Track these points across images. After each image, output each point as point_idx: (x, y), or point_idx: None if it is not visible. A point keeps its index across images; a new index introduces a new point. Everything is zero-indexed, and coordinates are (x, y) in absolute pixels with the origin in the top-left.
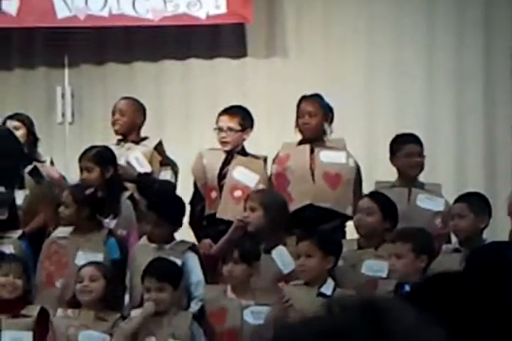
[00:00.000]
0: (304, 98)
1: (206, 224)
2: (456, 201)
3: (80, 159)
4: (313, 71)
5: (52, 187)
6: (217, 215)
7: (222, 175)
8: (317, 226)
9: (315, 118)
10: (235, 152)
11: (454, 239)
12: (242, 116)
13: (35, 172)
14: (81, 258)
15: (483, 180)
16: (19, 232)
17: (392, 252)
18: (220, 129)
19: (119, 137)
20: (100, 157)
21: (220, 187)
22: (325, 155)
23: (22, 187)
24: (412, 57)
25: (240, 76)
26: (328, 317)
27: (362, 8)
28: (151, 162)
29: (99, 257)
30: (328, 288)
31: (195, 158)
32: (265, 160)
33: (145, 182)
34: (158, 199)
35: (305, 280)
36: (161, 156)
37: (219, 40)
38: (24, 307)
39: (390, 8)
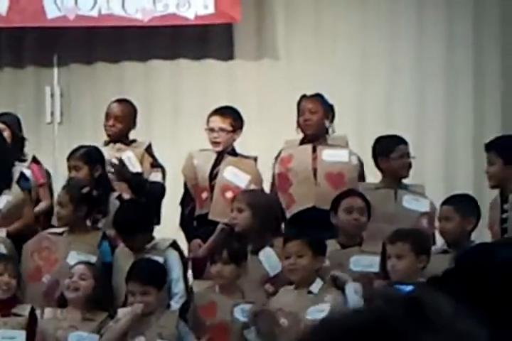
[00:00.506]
0: (304, 97)
1: (197, 225)
2: (444, 203)
3: (69, 158)
4: (302, 72)
5: (36, 192)
6: (210, 217)
7: (212, 176)
8: (313, 227)
9: (316, 115)
10: (226, 152)
11: (440, 240)
12: (234, 117)
13: (22, 178)
14: (74, 257)
15: (472, 181)
16: (3, 231)
17: (393, 253)
18: (211, 130)
19: (108, 138)
20: (89, 156)
21: (211, 188)
22: (327, 154)
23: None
24: (403, 56)
25: (229, 76)
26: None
27: (353, 9)
28: (141, 163)
29: (93, 259)
30: (316, 287)
31: (186, 158)
32: (255, 159)
33: (138, 181)
34: (137, 190)
35: (295, 279)
36: (151, 158)
37: (208, 40)
38: (15, 306)
39: (382, 7)
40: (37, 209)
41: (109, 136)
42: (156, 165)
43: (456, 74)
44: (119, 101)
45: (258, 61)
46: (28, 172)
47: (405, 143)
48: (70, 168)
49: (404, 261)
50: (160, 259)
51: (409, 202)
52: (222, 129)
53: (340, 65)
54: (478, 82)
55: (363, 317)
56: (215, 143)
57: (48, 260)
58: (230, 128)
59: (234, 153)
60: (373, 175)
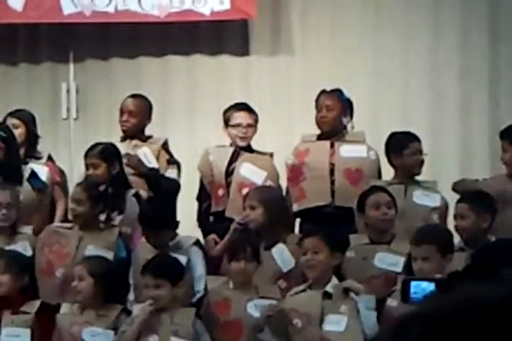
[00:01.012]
0: (322, 92)
1: (213, 221)
2: (459, 201)
3: (86, 156)
4: (318, 68)
5: (51, 190)
6: (227, 214)
7: (229, 172)
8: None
9: (332, 112)
10: (242, 149)
11: (457, 237)
12: (255, 113)
13: (33, 176)
14: (91, 252)
15: (488, 176)
16: (29, 227)
17: (419, 256)
18: (238, 125)
19: (123, 133)
20: (106, 153)
21: (227, 184)
22: (345, 150)
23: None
24: (419, 55)
25: (245, 72)
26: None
27: (369, 5)
28: (157, 160)
29: (110, 255)
30: (332, 287)
31: (202, 154)
32: (271, 156)
33: (154, 177)
34: (153, 185)
35: (313, 276)
36: (167, 155)
37: (224, 36)
38: (24, 303)
39: (397, 3)
40: (58, 213)
41: (124, 131)
42: (172, 161)
43: (471, 69)
44: (133, 96)
45: (274, 57)
46: (45, 170)
47: (418, 140)
48: (87, 166)
49: (430, 262)
50: (183, 258)
51: (419, 197)
52: (249, 125)
53: (356, 61)
54: (494, 78)
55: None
56: (242, 139)
57: (59, 254)
58: (255, 124)
59: (250, 149)
60: (387, 172)
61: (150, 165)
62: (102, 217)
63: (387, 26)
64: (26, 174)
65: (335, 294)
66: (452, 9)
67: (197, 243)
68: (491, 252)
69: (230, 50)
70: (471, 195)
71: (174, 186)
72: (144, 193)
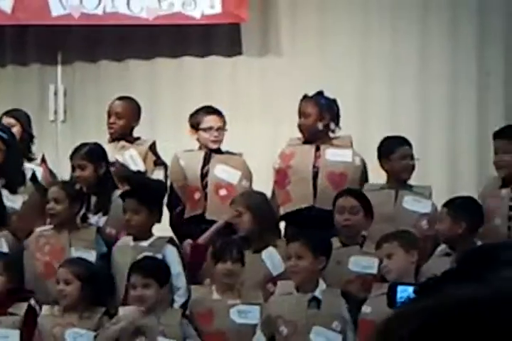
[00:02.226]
0: (304, 98)
1: (190, 226)
2: (444, 205)
3: (72, 157)
4: (307, 70)
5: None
6: (207, 217)
7: (203, 175)
8: (312, 227)
9: (308, 119)
10: (212, 151)
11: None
12: (223, 115)
13: (34, 178)
14: (73, 255)
15: (475, 183)
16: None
17: (383, 255)
18: (209, 129)
19: (110, 136)
20: (93, 154)
21: (203, 187)
22: (331, 154)
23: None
24: (407, 57)
25: (234, 74)
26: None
27: (357, 7)
28: (144, 161)
29: (92, 254)
30: (320, 292)
31: (171, 160)
32: (241, 155)
33: (138, 180)
34: (137, 187)
35: (297, 282)
36: (155, 156)
37: (213, 38)
38: (12, 305)
39: (385, 6)
40: None
41: (111, 134)
42: (159, 163)
43: (459, 75)
44: (121, 98)
45: (262, 58)
46: (40, 171)
47: (408, 144)
48: (73, 167)
49: (394, 258)
50: (159, 256)
51: (409, 203)
52: (220, 128)
53: (344, 64)
54: (482, 84)
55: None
56: (214, 142)
57: (54, 253)
58: (224, 127)
59: (220, 151)
60: (379, 176)
61: (136, 168)
62: (78, 217)
63: (375, 30)
64: (28, 175)
65: (324, 302)
66: (440, 13)
67: (170, 241)
68: (474, 255)
69: (219, 51)
70: (453, 200)
71: (160, 187)
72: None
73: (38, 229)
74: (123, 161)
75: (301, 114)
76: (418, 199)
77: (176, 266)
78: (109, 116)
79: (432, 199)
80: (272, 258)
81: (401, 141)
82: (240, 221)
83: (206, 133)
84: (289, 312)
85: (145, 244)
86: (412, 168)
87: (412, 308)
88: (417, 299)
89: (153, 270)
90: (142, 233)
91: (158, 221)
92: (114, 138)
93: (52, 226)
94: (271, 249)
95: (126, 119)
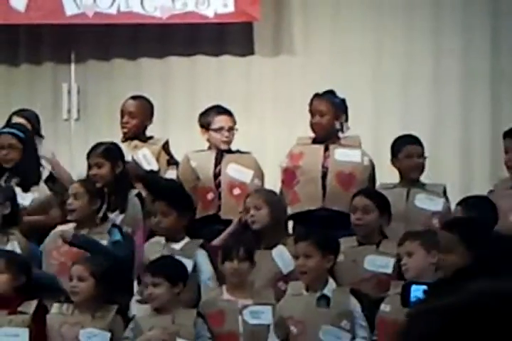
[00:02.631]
0: (315, 96)
1: (203, 226)
2: (458, 204)
3: (89, 155)
4: (320, 69)
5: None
6: (222, 216)
7: (215, 175)
8: (323, 227)
9: (325, 118)
10: (223, 151)
11: None
12: (233, 115)
13: (51, 178)
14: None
15: (488, 181)
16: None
17: (403, 252)
18: (220, 129)
19: (123, 135)
20: (110, 153)
21: (217, 187)
22: (340, 154)
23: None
24: (420, 56)
25: (247, 73)
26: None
27: (370, 6)
28: (158, 160)
29: (103, 243)
30: (330, 290)
31: (182, 161)
32: (250, 154)
33: (152, 179)
34: (166, 190)
35: (306, 282)
36: (168, 156)
37: (226, 37)
38: (21, 303)
39: (399, 5)
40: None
41: (124, 133)
42: (172, 162)
43: (473, 74)
44: (134, 97)
45: (276, 58)
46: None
47: (418, 142)
48: (90, 166)
49: (414, 257)
50: (189, 262)
51: (421, 201)
52: (231, 128)
53: (357, 62)
54: (496, 82)
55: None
56: (225, 142)
57: (69, 254)
58: (236, 127)
59: (230, 150)
60: (395, 175)
61: (149, 167)
62: (98, 216)
63: (389, 28)
64: (45, 173)
65: (334, 301)
66: (454, 11)
67: (202, 245)
68: (489, 252)
69: (232, 50)
70: (467, 199)
71: (174, 186)
72: (144, 193)
73: (58, 228)
74: (136, 160)
75: (316, 112)
76: (430, 197)
77: (207, 271)
78: (123, 115)
79: (444, 197)
80: (282, 256)
81: (409, 140)
82: (257, 214)
83: (217, 134)
84: (299, 311)
85: (177, 246)
86: (421, 166)
87: (436, 305)
88: (432, 297)
89: (163, 269)
90: (173, 235)
91: (189, 223)
92: (127, 138)
93: (73, 225)
94: (281, 247)
95: (139, 119)
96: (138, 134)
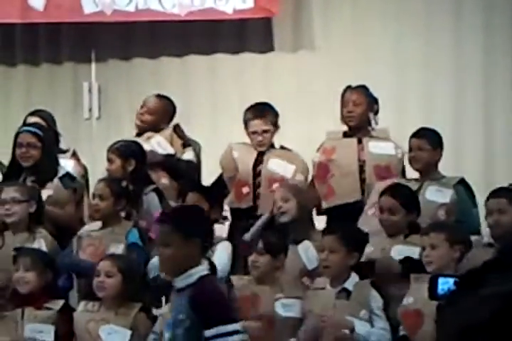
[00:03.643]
0: (348, 88)
1: (236, 218)
2: (494, 196)
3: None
4: (340, 64)
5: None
6: (260, 211)
7: (256, 173)
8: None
9: (360, 107)
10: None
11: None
12: (271, 115)
13: (68, 176)
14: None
15: (510, 173)
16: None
17: (427, 243)
18: (254, 133)
19: (136, 127)
20: (122, 150)
21: (254, 184)
22: (374, 146)
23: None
24: (441, 51)
25: (267, 70)
26: None
27: (391, 1)
28: (171, 144)
29: (119, 248)
30: (351, 284)
31: (225, 150)
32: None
33: (170, 163)
34: (170, 169)
35: (328, 276)
36: (180, 139)
37: (245, 34)
38: (48, 301)
39: (419, 0)
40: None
41: (137, 126)
42: (186, 144)
43: (495, 66)
44: (158, 96)
45: (296, 53)
46: (71, 163)
47: (416, 136)
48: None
49: (438, 250)
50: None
51: (431, 193)
52: (265, 131)
53: (378, 57)
54: None
55: None
56: (260, 145)
57: (95, 255)
58: (272, 129)
59: (273, 147)
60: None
61: (165, 152)
62: (122, 214)
63: (409, 21)
64: (61, 172)
65: (354, 293)
66: (474, 6)
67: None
68: None
69: (252, 47)
70: (504, 190)
71: (193, 167)
72: (166, 181)
73: (85, 228)
74: (151, 149)
75: (349, 101)
76: (440, 189)
77: (219, 254)
78: (141, 107)
79: (463, 188)
80: (307, 251)
81: (414, 133)
82: (285, 206)
83: (252, 137)
84: (318, 305)
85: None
86: (417, 159)
87: (493, 292)
88: (461, 290)
89: None
90: None
91: (219, 218)
92: (140, 132)
93: (99, 225)
94: (306, 242)
95: (155, 116)
96: (150, 130)
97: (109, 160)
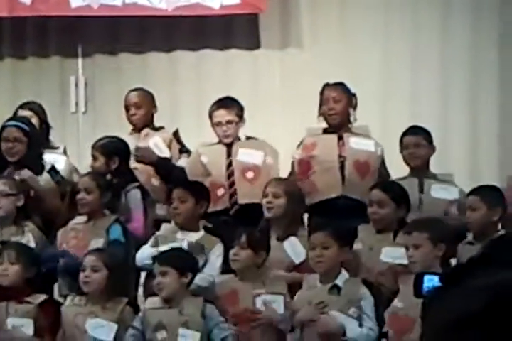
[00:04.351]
0: (327, 85)
1: (211, 221)
2: (470, 194)
3: (92, 147)
4: (328, 62)
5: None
6: (240, 201)
7: (228, 167)
8: (341, 217)
9: (340, 104)
10: (233, 143)
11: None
12: (237, 107)
13: (53, 169)
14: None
15: (497, 172)
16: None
17: (410, 243)
18: (218, 124)
19: (134, 127)
20: (106, 147)
21: (229, 179)
22: (355, 142)
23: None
24: (428, 48)
25: (254, 66)
26: None
27: None
28: (169, 149)
29: (99, 242)
30: (341, 280)
31: (192, 155)
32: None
33: (165, 166)
34: (178, 177)
35: (321, 271)
36: (179, 144)
37: (233, 30)
38: (30, 294)
39: None
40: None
41: (134, 125)
42: (184, 150)
43: (480, 64)
44: (134, 90)
45: (283, 50)
46: (63, 159)
47: (411, 133)
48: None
49: (421, 250)
50: (201, 257)
51: (437, 191)
52: (229, 122)
53: (365, 54)
54: (503, 74)
55: None
56: (225, 137)
57: (77, 247)
58: (236, 119)
59: (239, 139)
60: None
61: (162, 154)
62: (104, 208)
63: (396, 19)
64: (47, 166)
65: (344, 289)
66: (462, 4)
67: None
68: (502, 243)
69: (239, 43)
70: (482, 188)
71: (186, 174)
72: (155, 181)
73: (71, 222)
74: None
75: (329, 99)
76: (445, 187)
77: (214, 258)
78: (128, 109)
79: (457, 186)
80: (293, 246)
81: (406, 131)
82: (275, 202)
83: (217, 128)
84: (309, 302)
85: (191, 238)
86: (414, 156)
87: (477, 284)
88: (446, 286)
89: (171, 258)
90: (189, 223)
91: (205, 214)
92: (138, 129)
93: (85, 218)
94: (293, 238)
95: (145, 108)
96: (148, 123)
97: (94, 157)
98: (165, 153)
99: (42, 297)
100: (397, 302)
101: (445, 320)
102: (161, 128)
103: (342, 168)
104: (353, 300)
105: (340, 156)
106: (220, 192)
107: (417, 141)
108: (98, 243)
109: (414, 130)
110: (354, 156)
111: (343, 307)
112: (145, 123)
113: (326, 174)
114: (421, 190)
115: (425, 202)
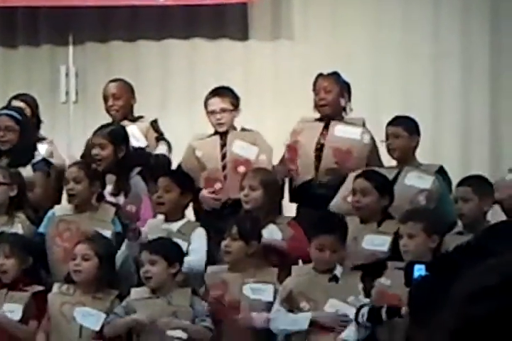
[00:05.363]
0: (320, 75)
1: (206, 215)
2: (460, 184)
3: (94, 134)
4: (319, 52)
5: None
6: (230, 195)
7: (223, 159)
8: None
9: (331, 94)
10: (228, 133)
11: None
12: (231, 96)
13: (42, 160)
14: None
15: (487, 163)
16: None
17: (404, 232)
18: (212, 112)
19: (113, 119)
20: (115, 135)
21: (224, 176)
22: (339, 130)
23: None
24: (419, 38)
25: (245, 56)
26: None
27: None
28: (146, 137)
29: (107, 234)
30: (339, 272)
31: (186, 150)
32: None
33: (139, 156)
34: (139, 163)
35: (323, 269)
36: (156, 133)
37: (224, 19)
38: (28, 285)
39: None
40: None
41: (114, 116)
42: (160, 138)
43: (472, 54)
44: (112, 80)
45: (274, 41)
46: (54, 150)
47: (391, 124)
48: (93, 145)
49: (415, 240)
50: (184, 243)
51: (411, 178)
52: (223, 110)
53: (356, 45)
54: (495, 63)
55: None
56: (219, 125)
57: (72, 241)
58: (231, 108)
59: (234, 128)
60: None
61: (137, 143)
62: (94, 197)
63: (387, 10)
64: (37, 157)
65: (342, 279)
66: None
67: (202, 225)
68: (491, 233)
69: (230, 34)
70: (472, 178)
71: (165, 162)
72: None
73: (55, 213)
74: None
75: (321, 89)
76: (420, 175)
77: (197, 242)
78: (106, 99)
79: (442, 176)
80: (272, 233)
81: (389, 122)
82: (251, 195)
83: (211, 117)
84: (310, 289)
85: (175, 227)
86: (393, 147)
87: (487, 265)
88: (434, 274)
89: (161, 247)
90: (173, 212)
91: (190, 203)
92: (117, 121)
93: (72, 208)
94: (271, 225)
95: (124, 98)
96: (126, 115)
97: (100, 145)
98: (141, 141)
99: (37, 287)
100: (385, 280)
101: (463, 294)
102: (140, 117)
103: (320, 152)
104: (351, 290)
105: (318, 143)
106: (218, 185)
107: (396, 131)
108: (106, 235)
109: (396, 120)
110: (334, 143)
111: (342, 296)
112: (124, 114)
113: (304, 158)
114: (396, 178)
115: (396, 188)
